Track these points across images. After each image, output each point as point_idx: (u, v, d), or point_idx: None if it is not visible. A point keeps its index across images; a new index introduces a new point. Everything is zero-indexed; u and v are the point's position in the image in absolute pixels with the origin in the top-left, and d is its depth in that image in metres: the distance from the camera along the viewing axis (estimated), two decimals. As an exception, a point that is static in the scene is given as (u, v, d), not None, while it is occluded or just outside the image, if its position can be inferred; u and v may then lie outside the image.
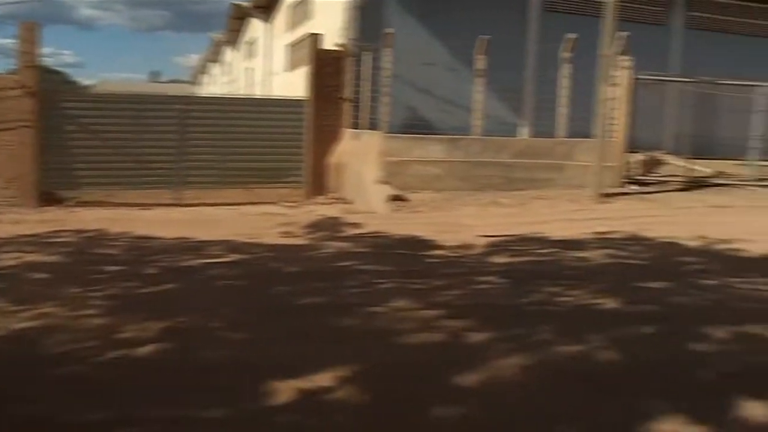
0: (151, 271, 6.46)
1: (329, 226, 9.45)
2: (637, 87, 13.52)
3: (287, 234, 8.86)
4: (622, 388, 3.49)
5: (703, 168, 14.72)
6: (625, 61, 13.11)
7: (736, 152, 14.95)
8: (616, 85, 12.88)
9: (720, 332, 4.40)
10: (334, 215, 10.61)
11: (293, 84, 17.93)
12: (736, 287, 5.83)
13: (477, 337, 4.21)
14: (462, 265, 6.72)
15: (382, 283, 5.82)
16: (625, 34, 12.68)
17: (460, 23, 16.13)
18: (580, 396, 3.38)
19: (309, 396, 3.26)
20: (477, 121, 13.61)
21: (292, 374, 3.45)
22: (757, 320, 4.71)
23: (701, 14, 21.12)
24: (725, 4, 21.41)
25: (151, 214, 11.16)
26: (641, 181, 13.57)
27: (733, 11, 21.58)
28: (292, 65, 21.11)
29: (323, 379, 3.42)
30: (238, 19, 29.70)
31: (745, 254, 7.34)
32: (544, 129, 14.75)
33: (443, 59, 16.73)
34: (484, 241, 7.82)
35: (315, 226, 9.53)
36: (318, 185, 14.43)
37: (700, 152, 15.40)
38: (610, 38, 12.08)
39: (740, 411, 3.17)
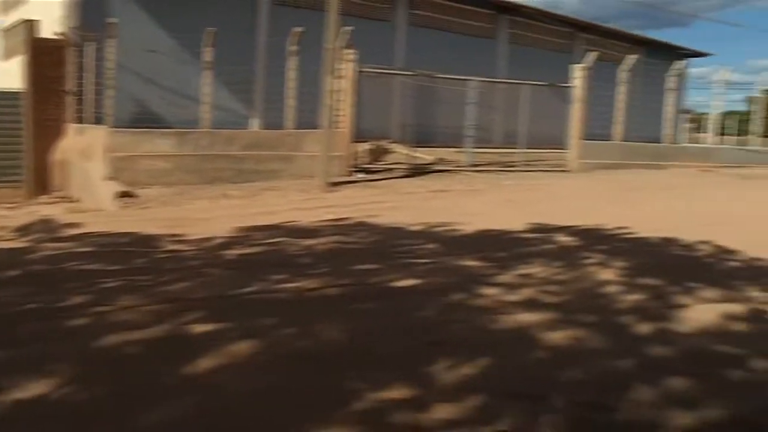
0: None
1: (50, 227, 8.83)
2: (362, 79, 14.11)
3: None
4: (341, 362, 3.70)
5: (425, 155, 15.85)
6: (350, 54, 13.66)
7: (454, 140, 16.28)
8: (342, 77, 13.41)
9: (431, 306, 4.88)
10: (58, 215, 9.93)
11: (9, 74, 16.47)
12: (446, 264, 6.36)
13: (202, 328, 4.24)
14: (192, 259, 6.61)
15: (107, 282, 5.60)
16: (349, 28, 13.23)
17: (189, 14, 15.89)
18: (300, 374, 3.55)
19: (25, 404, 3.13)
20: (206, 114, 13.41)
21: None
22: (437, 292, 5.26)
23: (423, 13, 22.68)
24: (444, 4, 23.21)
25: None
26: (368, 169, 14.25)
27: (451, 12, 23.45)
28: (7, 53, 19.34)
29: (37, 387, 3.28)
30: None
31: (460, 234, 7.99)
32: (274, 121, 14.93)
33: (172, 51, 16.35)
34: (213, 233, 7.78)
35: (33, 227, 8.86)
36: (41, 184, 13.47)
37: (422, 141, 16.58)
38: (335, 32, 12.51)
39: (438, 373, 3.55)
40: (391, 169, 14.48)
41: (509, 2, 24.30)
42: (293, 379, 3.50)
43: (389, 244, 7.35)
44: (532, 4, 25.43)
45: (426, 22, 22.75)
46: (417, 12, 22.47)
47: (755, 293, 5.49)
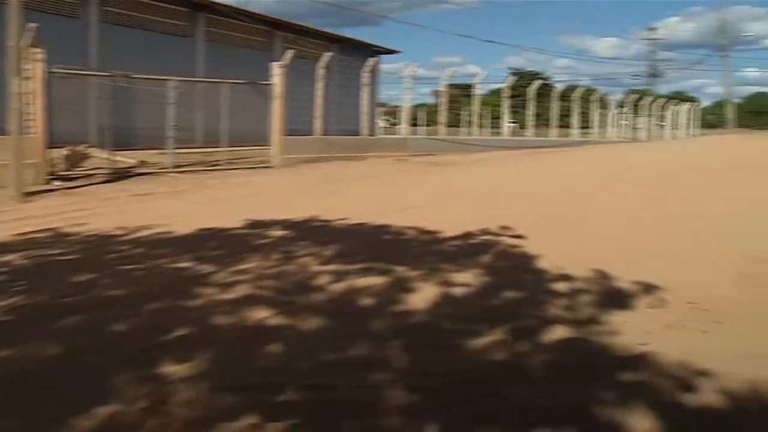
0: None
1: None
2: (53, 81, 13.29)
3: None
4: (48, 383, 3.55)
5: (126, 159, 15.35)
6: (37, 53, 12.80)
7: (156, 142, 15.98)
8: (30, 78, 12.53)
9: (146, 311, 4.75)
10: None
11: None
12: (162, 267, 6.28)
13: None
14: None
15: None
16: (35, 25, 12.38)
17: None
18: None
19: None
20: None
21: None
22: (153, 297, 5.17)
23: (116, 9, 21.72)
24: (138, 1, 22.44)
25: None
26: (67, 176, 13.45)
27: (145, 9, 22.76)
28: None
29: None
30: None
31: (171, 235, 7.86)
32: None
33: None
34: None
35: None
36: None
37: (123, 144, 16.00)
38: (18, 29, 11.60)
39: (163, 372, 3.57)
40: (91, 175, 13.83)
41: (205, 0, 24.21)
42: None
43: (97, 252, 7.08)
44: (227, 2, 25.54)
45: (120, 19, 21.85)
46: (110, 9, 21.44)
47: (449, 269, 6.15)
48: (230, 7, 25.36)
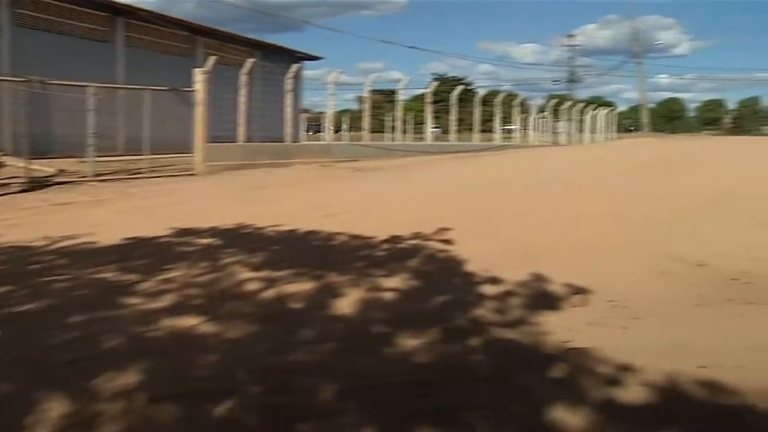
0: None
1: None
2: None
3: None
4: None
5: (44, 167, 14.94)
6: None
7: (76, 150, 15.62)
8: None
9: (71, 324, 4.61)
10: None
11: None
12: (86, 278, 6.12)
13: None
14: None
15: None
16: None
17: None
18: None
19: None
20: None
21: None
22: (77, 309, 5.04)
23: (30, 13, 21.11)
24: (54, 5, 21.84)
25: None
26: (-21, 186, 13.10)
27: (62, 13, 22.19)
28: None
29: None
30: None
31: (96, 246, 7.66)
32: None
33: None
34: None
35: None
36: None
37: (40, 152, 15.54)
38: None
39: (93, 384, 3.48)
40: (6, 185, 13.42)
41: (124, 4, 23.76)
42: None
43: (17, 264, 6.89)
44: (147, 7, 25.15)
45: (35, 23, 21.23)
46: (23, 12, 20.83)
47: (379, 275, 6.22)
48: (150, 12, 24.98)
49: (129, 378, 3.62)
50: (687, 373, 3.67)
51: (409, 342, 4.28)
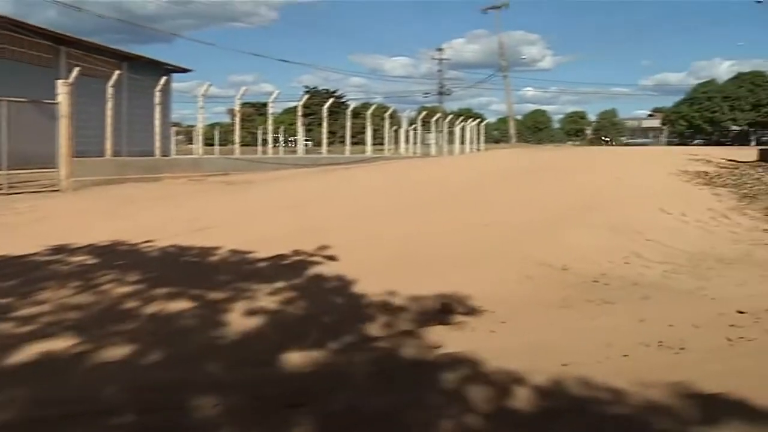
0: None
1: None
2: None
3: None
4: None
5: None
6: None
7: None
8: None
9: None
10: None
11: None
12: None
13: None
14: None
15: None
16: None
17: None
18: None
19: None
20: None
21: None
22: None
23: None
24: None
25: None
26: None
27: None
28: None
29: None
30: None
31: None
32: None
33: None
34: None
35: None
36: None
37: None
38: None
39: None
40: None
41: (-21, 12, 22.66)
42: None
43: None
44: (4, 14, 24.04)
45: None
46: None
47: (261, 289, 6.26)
48: (8, 19, 23.91)
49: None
50: (551, 371, 3.85)
51: (291, 355, 4.35)
